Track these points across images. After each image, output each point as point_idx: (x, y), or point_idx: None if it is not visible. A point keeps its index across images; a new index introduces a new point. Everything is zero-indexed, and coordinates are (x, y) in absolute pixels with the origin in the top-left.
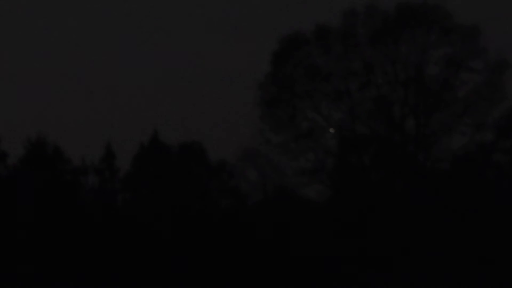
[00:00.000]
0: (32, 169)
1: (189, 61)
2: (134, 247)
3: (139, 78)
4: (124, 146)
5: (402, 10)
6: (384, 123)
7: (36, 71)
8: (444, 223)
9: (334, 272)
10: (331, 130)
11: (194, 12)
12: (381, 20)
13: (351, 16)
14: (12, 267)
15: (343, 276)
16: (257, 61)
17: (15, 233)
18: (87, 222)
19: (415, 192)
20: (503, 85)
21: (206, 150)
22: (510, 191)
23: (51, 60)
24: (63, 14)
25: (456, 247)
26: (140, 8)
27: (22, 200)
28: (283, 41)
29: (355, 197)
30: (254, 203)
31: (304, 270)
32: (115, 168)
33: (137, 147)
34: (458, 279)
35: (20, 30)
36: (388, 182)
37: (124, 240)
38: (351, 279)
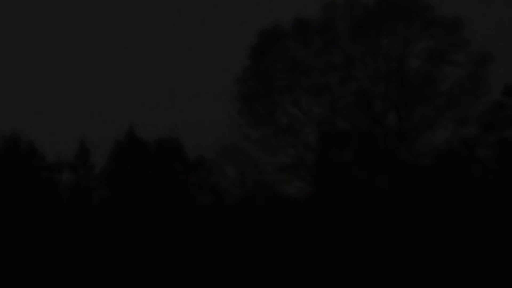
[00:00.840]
0: (6, 165)
1: (165, 56)
2: (111, 245)
3: (116, 73)
4: (101, 142)
5: (383, 2)
6: (365, 118)
7: (9, 68)
8: (428, 219)
9: (317, 272)
10: None
11: (172, 7)
12: (361, 13)
13: (331, 9)
14: None
15: (325, 276)
16: (236, 56)
17: None
18: (63, 219)
19: (398, 188)
20: (486, 79)
21: (184, 146)
22: (494, 186)
23: (26, 56)
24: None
25: (440, 244)
26: (121, 5)
27: None
28: (261, 34)
29: (336, 193)
30: (233, 200)
31: (285, 270)
32: (90, 164)
33: (113, 143)
34: (441, 276)
35: None
36: (370, 177)
37: (100, 238)
38: (334, 279)
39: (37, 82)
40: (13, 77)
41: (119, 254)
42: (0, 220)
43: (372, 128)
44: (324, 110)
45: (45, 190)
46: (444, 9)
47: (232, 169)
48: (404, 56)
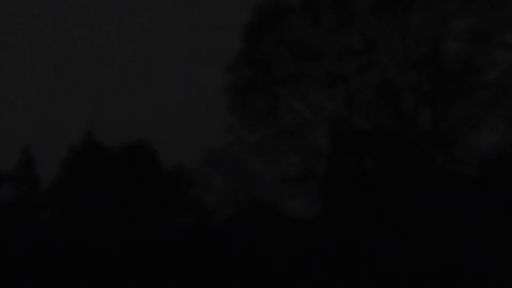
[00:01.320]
0: None
1: (133, 38)
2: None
3: (70, 71)
4: (51, 150)
5: None
6: (391, 116)
7: None
8: (471, 243)
9: None
10: None
11: None
12: None
13: None
14: None
15: None
16: (227, 38)
17: None
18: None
19: (432, 205)
20: None
21: (159, 153)
22: None
23: None
24: None
25: (488, 272)
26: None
27: None
28: (260, 10)
29: (354, 211)
30: (222, 221)
31: None
32: (35, 177)
33: (66, 150)
34: None
35: None
36: (396, 191)
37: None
38: None
39: None
40: None
41: None
42: None
43: (400, 129)
44: (338, 106)
45: None
46: None
47: (221, 182)
48: (440, 37)
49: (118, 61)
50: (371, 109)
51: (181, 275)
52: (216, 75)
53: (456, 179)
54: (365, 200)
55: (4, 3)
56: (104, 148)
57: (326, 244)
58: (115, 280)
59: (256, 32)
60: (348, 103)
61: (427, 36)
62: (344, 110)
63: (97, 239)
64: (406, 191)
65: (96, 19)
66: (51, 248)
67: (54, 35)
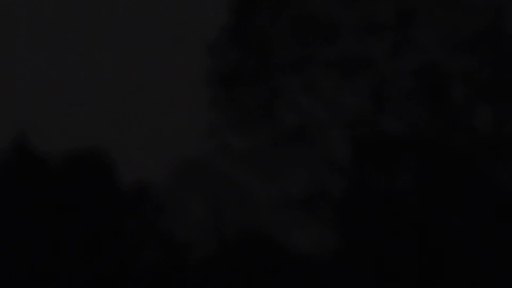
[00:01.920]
0: None
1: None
2: None
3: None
4: None
5: None
6: (433, 115)
7: None
8: None
9: None
10: None
11: None
12: None
13: None
14: None
15: None
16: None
17: None
18: None
19: (489, 237)
20: None
21: (115, 164)
22: None
23: None
24: None
25: None
26: None
27: None
28: None
29: (380, 245)
30: (201, 259)
31: None
32: None
33: None
34: None
35: None
36: (439, 218)
37: None
38: None
39: None
40: None
41: None
42: None
43: (446, 132)
44: (360, 102)
45: None
46: None
47: (200, 204)
48: (505, 7)
49: (60, 41)
50: (405, 105)
51: None
52: (194, 59)
53: None
54: (396, 230)
55: None
56: (39, 157)
57: None
58: None
59: (248, 2)
60: (373, 97)
61: (486, 4)
62: (368, 106)
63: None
64: (453, 218)
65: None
66: None
67: None
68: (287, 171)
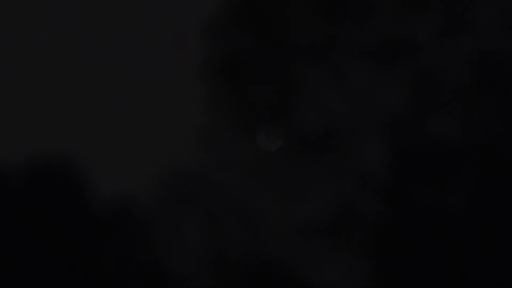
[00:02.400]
0: None
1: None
2: None
3: None
4: None
5: None
6: (496, 113)
7: None
8: None
9: None
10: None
11: None
12: None
13: None
14: None
15: None
16: None
17: None
18: None
19: None
20: None
21: (87, 176)
22: None
23: None
24: None
25: None
26: None
27: None
28: None
29: (429, 281)
30: None
31: None
32: None
33: None
34: None
35: None
36: (506, 248)
37: None
38: None
39: None
40: None
41: None
42: None
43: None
44: (402, 96)
45: None
46: None
47: (196, 227)
48: None
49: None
50: (458, 102)
51: None
52: (187, 44)
53: None
54: (449, 264)
55: None
56: None
57: None
58: None
59: None
60: (418, 92)
61: None
62: (411, 104)
63: None
64: None
65: None
66: None
67: None
68: (308, 187)
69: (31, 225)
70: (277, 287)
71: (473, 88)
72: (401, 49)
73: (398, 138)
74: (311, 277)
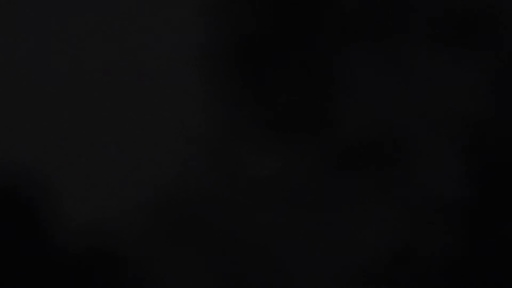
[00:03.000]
0: None
1: None
2: None
3: None
4: None
5: None
6: None
7: None
8: None
9: None
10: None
11: None
12: None
13: None
14: None
15: None
16: None
17: None
18: None
19: None
20: None
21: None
22: None
23: None
24: None
25: None
26: None
27: None
28: None
29: None
30: None
31: None
32: None
33: None
34: None
35: None
36: None
37: None
38: None
39: None
40: None
41: None
42: None
43: None
44: (481, 94)
45: None
46: None
47: (200, 268)
48: None
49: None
50: None
51: None
52: (188, 28)
53: None
54: None
55: None
56: None
57: None
58: None
59: None
60: (500, 88)
61: None
62: (492, 103)
63: None
64: None
65: None
66: None
67: None
68: (352, 219)
69: None
70: None
71: None
72: (476, 29)
73: (476, 149)
74: None
